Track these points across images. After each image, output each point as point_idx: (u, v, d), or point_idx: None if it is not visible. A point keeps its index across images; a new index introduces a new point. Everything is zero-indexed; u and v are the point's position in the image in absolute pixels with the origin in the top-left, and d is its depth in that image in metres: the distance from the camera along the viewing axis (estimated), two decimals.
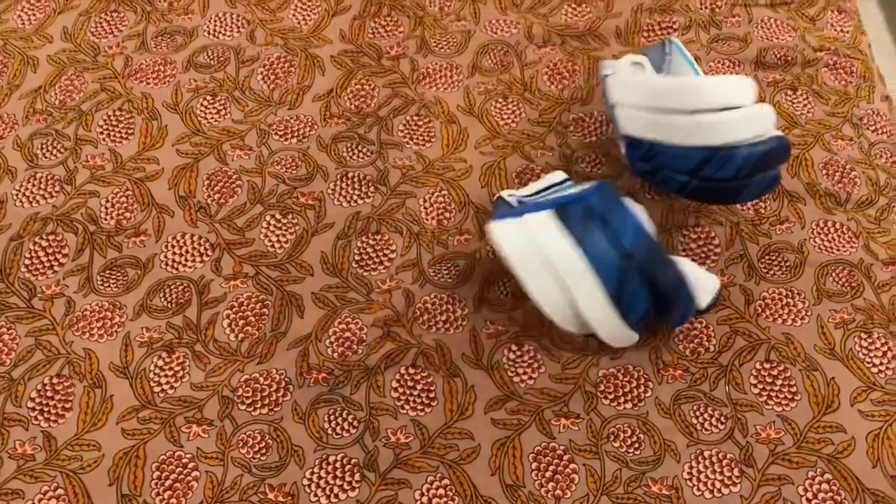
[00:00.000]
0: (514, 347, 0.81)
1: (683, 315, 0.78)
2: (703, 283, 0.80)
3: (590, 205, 0.75)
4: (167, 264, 0.85)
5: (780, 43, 1.04)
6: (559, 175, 0.89)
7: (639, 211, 0.79)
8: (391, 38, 1.03)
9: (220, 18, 1.04)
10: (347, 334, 0.81)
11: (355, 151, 0.94)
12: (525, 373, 0.79)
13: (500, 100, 0.98)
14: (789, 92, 0.99)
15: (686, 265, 0.80)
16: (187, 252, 0.86)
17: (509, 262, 0.76)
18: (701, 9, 1.07)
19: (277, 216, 0.89)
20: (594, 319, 0.74)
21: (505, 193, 0.85)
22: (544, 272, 0.74)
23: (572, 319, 0.76)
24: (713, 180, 0.83)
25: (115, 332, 0.81)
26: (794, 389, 0.78)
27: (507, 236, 0.77)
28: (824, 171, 0.92)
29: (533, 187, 0.87)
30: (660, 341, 0.81)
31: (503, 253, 0.76)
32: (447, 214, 0.90)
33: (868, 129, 0.97)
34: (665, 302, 0.75)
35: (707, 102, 0.86)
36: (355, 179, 0.92)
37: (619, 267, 0.72)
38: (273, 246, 0.87)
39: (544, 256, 0.74)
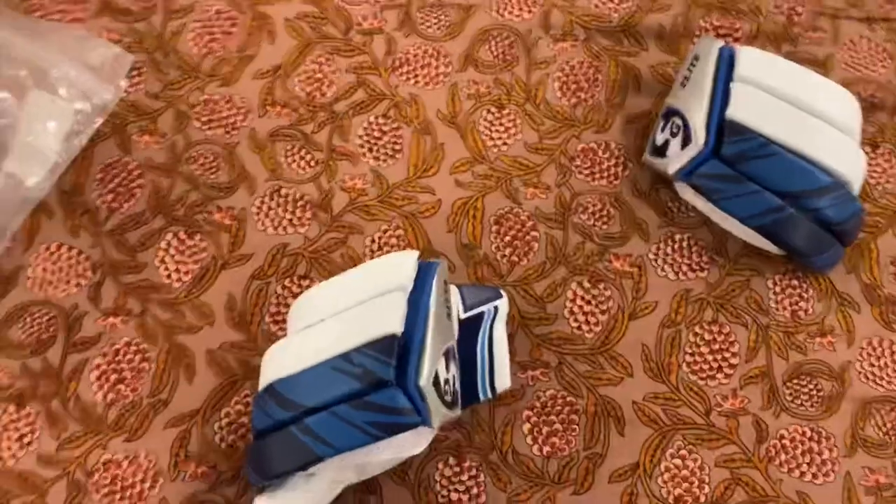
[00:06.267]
0: None
1: None
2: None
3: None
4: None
5: (869, 76, 0.79)
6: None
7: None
8: (366, 5, 0.79)
9: None
10: (244, 419, 0.64)
11: (296, 157, 0.73)
12: None
13: (494, 110, 0.76)
14: (867, 149, 0.76)
15: None
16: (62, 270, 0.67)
17: None
18: (775, 13, 0.82)
19: (182, 236, 0.69)
20: None
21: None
22: None
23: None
24: (815, 215, 0.64)
25: None
26: None
27: None
28: (894, 270, 0.71)
29: None
30: (638, 478, 0.63)
31: None
32: None
33: None
34: None
35: (832, 113, 0.66)
36: (290, 199, 0.71)
37: None
38: (170, 277, 0.68)
39: None
